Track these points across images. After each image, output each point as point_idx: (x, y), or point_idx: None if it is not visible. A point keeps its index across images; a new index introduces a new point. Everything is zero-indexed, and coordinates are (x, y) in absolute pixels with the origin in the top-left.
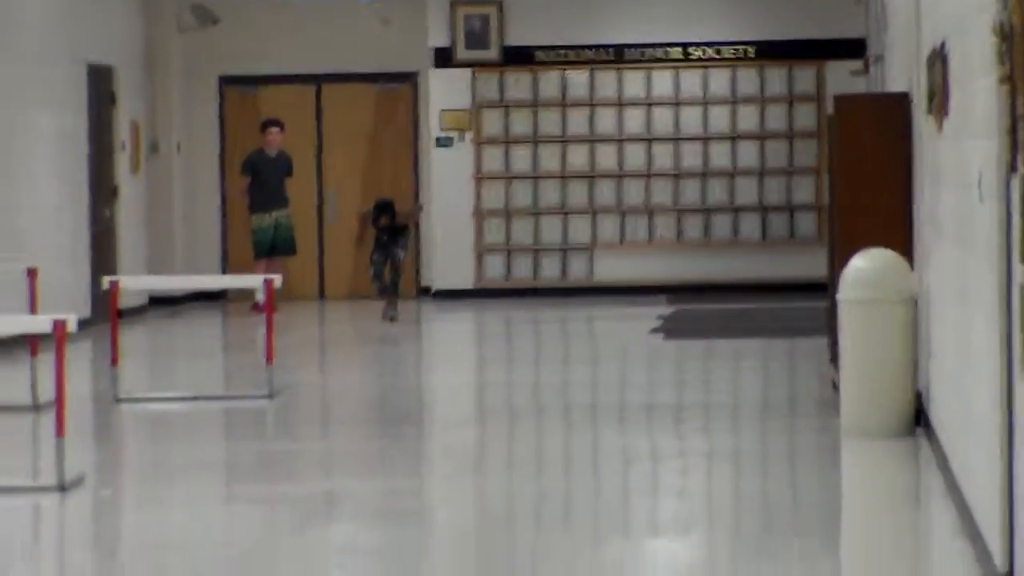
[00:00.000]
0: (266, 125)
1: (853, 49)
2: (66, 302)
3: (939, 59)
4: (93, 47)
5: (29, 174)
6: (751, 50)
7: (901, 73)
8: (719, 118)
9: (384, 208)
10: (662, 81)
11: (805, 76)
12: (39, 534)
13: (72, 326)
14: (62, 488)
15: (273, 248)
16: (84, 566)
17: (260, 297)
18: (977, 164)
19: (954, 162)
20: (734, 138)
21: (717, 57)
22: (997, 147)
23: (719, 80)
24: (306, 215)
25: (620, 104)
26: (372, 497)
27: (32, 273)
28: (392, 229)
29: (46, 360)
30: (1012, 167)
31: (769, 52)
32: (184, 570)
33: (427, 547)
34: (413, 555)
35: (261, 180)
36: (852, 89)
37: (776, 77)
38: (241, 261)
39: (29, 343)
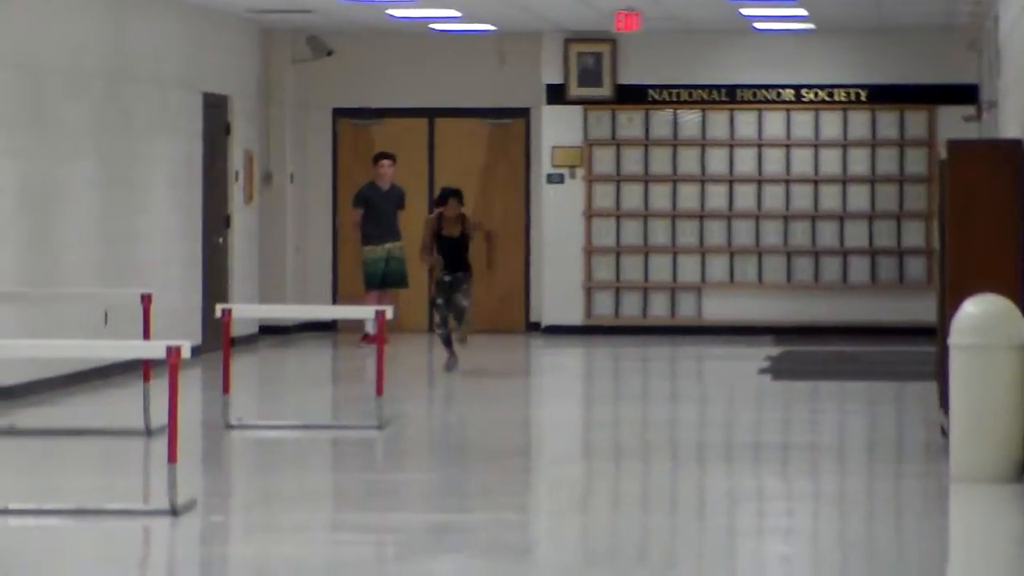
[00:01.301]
0: (378, 158)
1: (965, 95)
2: (179, 329)
3: None
4: (209, 76)
5: (145, 201)
6: (863, 93)
7: (1015, 120)
8: (830, 161)
9: (449, 196)
10: (773, 122)
11: (916, 121)
12: (150, 557)
13: (186, 352)
14: (174, 512)
15: (384, 280)
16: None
17: (371, 328)
18: None
19: None
20: (844, 181)
21: (829, 100)
22: None
23: (830, 123)
24: (417, 248)
25: (731, 144)
26: (477, 530)
27: (146, 299)
28: (453, 272)
29: (159, 386)
30: None
31: (881, 96)
32: None
33: None
34: None
35: (374, 213)
36: (964, 134)
37: (887, 121)
38: (352, 292)
39: (143, 368)
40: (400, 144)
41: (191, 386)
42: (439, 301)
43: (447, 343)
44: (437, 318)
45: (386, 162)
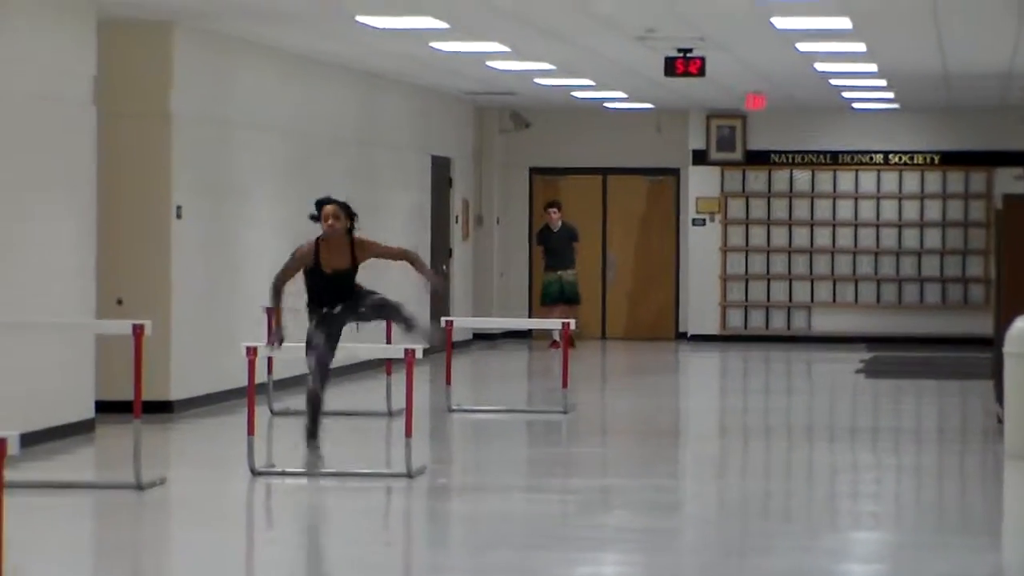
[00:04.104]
0: (548, 207)
1: (1017, 158)
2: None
3: None
4: (436, 142)
5: (389, 237)
6: (936, 157)
7: None
8: (910, 209)
9: (326, 204)
10: (867, 180)
11: (978, 179)
12: (391, 510)
13: (419, 354)
14: (409, 475)
15: (560, 297)
16: (424, 533)
17: (557, 336)
18: None
19: None
20: (921, 226)
21: (910, 162)
22: None
23: (911, 180)
24: (594, 275)
25: (834, 196)
26: (638, 491)
27: None
28: (335, 303)
29: (398, 379)
30: None
31: (950, 160)
32: (496, 539)
33: (680, 532)
34: (669, 537)
35: (550, 248)
36: (1015, 190)
37: (955, 179)
38: (542, 309)
39: (386, 366)
40: (579, 196)
41: (422, 379)
42: (315, 341)
43: (311, 427)
44: (310, 379)
45: (553, 210)
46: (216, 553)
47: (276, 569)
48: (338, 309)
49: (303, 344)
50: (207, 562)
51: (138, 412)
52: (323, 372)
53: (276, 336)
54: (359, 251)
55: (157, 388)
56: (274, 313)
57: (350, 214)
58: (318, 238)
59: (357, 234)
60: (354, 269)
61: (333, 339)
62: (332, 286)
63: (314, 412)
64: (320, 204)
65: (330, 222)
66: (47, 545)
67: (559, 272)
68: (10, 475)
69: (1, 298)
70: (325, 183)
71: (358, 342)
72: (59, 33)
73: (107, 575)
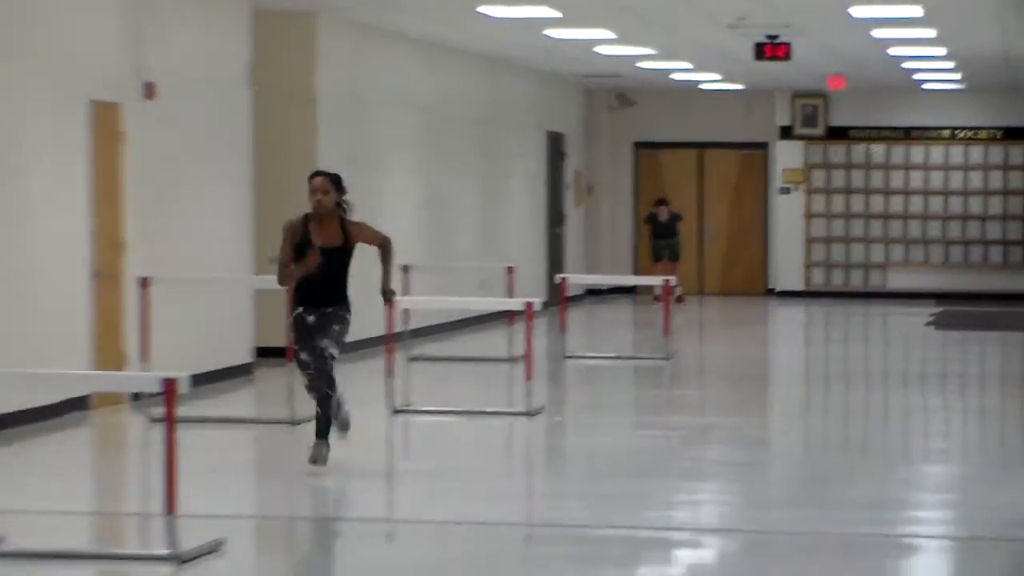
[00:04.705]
0: (657, 203)
1: None
2: (532, 291)
3: None
4: (551, 119)
5: (509, 205)
6: (999, 133)
7: None
8: (975, 179)
9: (317, 176)
10: (936, 152)
11: None
12: (513, 444)
13: (537, 307)
14: (528, 414)
15: (665, 255)
16: (543, 464)
17: (659, 292)
18: None
19: None
20: (985, 193)
21: (974, 137)
22: None
23: (975, 153)
24: (692, 239)
25: (907, 168)
26: (733, 428)
27: (510, 270)
28: (319, 306)
29: (518, 329)
30: None
31: (1011, 134)
32: (608, 469)
33: (769, 464)
34: (759, 469)
35: (656, 232)
36: None
37: (1016, 152)
38: (647, 267)
39: (507, 317)
40: (678, 168)
41: (539, 329)
42: (302, 356)
43: (322, 423)
44: (305, 379)
45: (663, 207)
46: (360, 478)
47: (411, 493)
48: (312, 318)
49: (432, 298)
50: (352, 486)
51: (291, 357)
52: (327, 380)
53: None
54: (353, 229)
55: None
56: (285, 270)
57: (339, 187)
58: (306, 214)
59: (349, 215)
60: (347, 249)
61: (318, 351)
62: (324, 266)
63: (326, 412)
64: (311, 177)
65: (318, 196)
66: (214, 472)
67: (662, 242)
68: (181, 411)
69: (173, 257)
70: (454, 156)
71: (483, 296)
72: (219, 25)
73: (264, 497)
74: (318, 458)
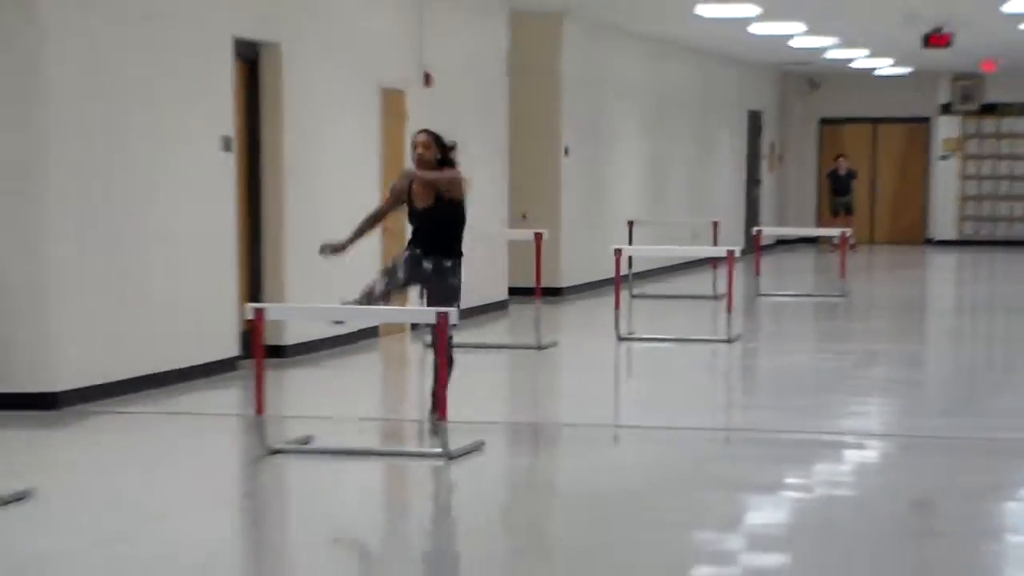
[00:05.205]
0: (837, 157)
1: None
2: (732, 240)
3: None
4: (752, 100)
5: (716, 169)
6: None
7: None
8: None
9: (420, 133)
10: None
11: None
12: (718, 363)
13: (737, 254)
14: (728, 341)
15: (841, 212)
16: (739, 381)
17: (837, 241)
18: None
19: None
20: None
21: None
22: None
23: None
24: (864, 197)
25: None
26: (897, 353)
27: (715, 224)
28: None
29: (721, 272)
30: None
31: None
32: (792, 386)
33: (927, 382)
34: (919, 386)
35: (835, 188)
36: None
37: None
38: (827, 220)
39: (712, 263)
40: (855, 140)
41: (738, 272)
42: (399, 274)
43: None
44: (381, 285)
45: (841, 159)
46: (592, 393)
47: (634, 404)
48: (427, 265)
49: (651, 247)
50: (586, 398)
51: (538, 295)
52: (371, 301)
53: (329, 249)
54: (449, 186)
55: (550, 278)
56: (351, 236)
57: (442, 145)
58: (412, 172)
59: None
60: (439, 207)
61: (401, 287)
62: (424, 224)
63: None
64: (415, 134)
65: (419, 151)
66: (476, 387)
67: (839, 199)
68: (455, 340)
69: None
70: (671, 132)
71: (692, 245)
72: (482, 24)
73: (516, 407)
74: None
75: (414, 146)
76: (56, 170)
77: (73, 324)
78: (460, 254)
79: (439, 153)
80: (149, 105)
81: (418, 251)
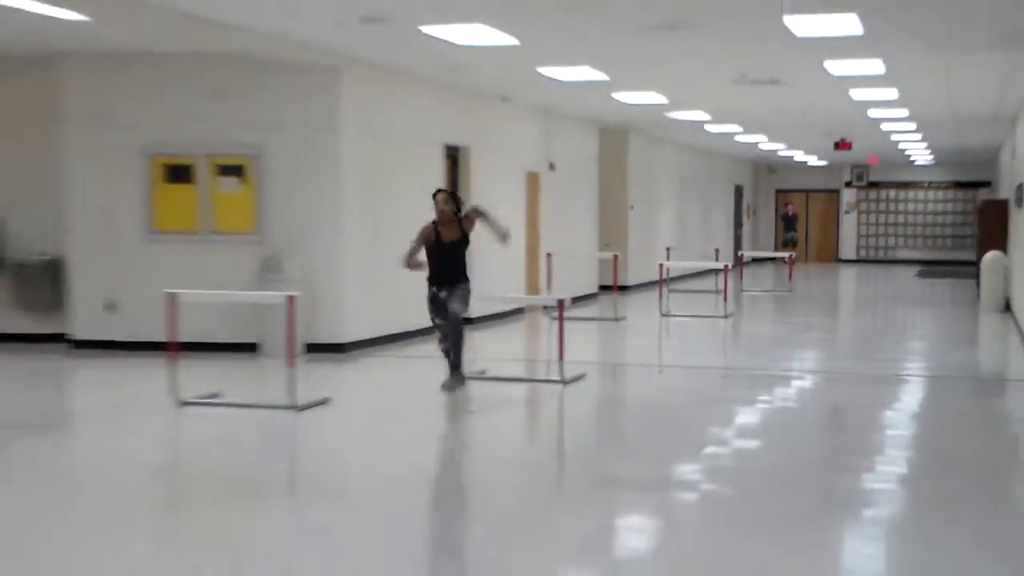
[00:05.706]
0: (784, 205)
1: None
2: (726, 258)
3: None
4: (736, 178)
5: (715, 217)
6: (944, 183)
7: None
8: (940, 207)
9: (437, 194)
10: (920, 194)
11: None
12: (718, 329)
13: (729, 267)
14: (726, 317)
15: (788, 242)
16: (731, 339)
17: (786, 259)
18: None
19: None
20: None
21: (937, 185)
22: None
23: (939, 195)
24: (803, 234)
25: (905, 201)
26: (821, 324)
27: (716, 250)
28: (447, 284)
29: (720, 278)
30: None
31: (956, 185)
32: (761, 342)
33: (839, 340)
34: (835, 342)
35: (785, 225)
36: None
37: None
38: (779, 246)
39: (715, 273)
40: (796, 202)
41: (730, 277)
42: (437, 321)
43: (453, 359)
44: (439, 334)
45: (789, 206)
46: (646, 345)
47: (669, 351)
48: (444, 294)
49: (677, 263)
50: (638, 349)
51: (615, 290)
52: (456, 333)
53: (414, 261)
54: (466, 225)
55: (622, 279)
56: (411, 257)
57: (456, 200)
58: (434, 220)
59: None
60: (464, 239)
61: (448, 314)
62: (448, 253)
63: (456, 357)
64: (435, 194)
65: (440, 206)
66: (580, 341)
67: (789, 233)
68: (566, 314)
69: (561, 243)
70: (690, 196)
71: (701, 261)
72: (582, 134)
73: (604, 353)
74: (449, 388)
75: (436, 201)
76: (347, 218)
77: (354, 302)
78: (468, 279)
79: (455, 206)
80: (397, 181)
81: (434, 288)
